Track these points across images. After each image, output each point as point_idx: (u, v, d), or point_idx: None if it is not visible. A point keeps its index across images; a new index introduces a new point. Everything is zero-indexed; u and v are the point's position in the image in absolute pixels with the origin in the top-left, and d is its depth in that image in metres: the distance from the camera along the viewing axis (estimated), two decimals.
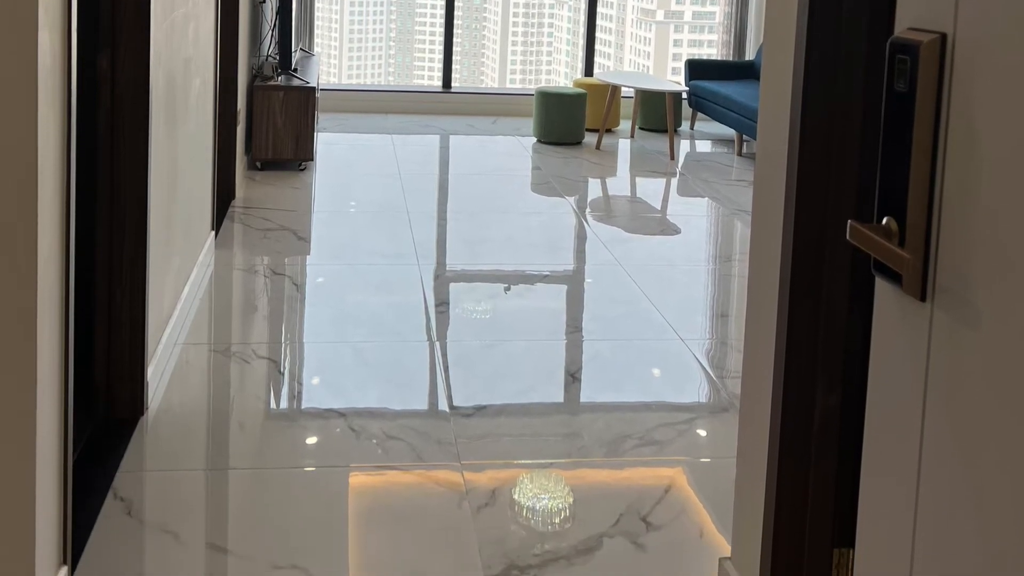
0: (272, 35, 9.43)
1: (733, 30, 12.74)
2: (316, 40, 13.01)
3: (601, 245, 7.21)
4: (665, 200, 9.19)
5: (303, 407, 4.53)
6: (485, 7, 20.42)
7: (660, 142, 11.08)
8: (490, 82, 19.69)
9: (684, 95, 11.67)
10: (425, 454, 4.07)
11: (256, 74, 9.02)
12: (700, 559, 3.46)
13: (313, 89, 8.91)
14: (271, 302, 5.77)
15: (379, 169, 9.33)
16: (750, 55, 12.58)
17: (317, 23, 13.08)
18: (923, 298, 1.49)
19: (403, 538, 3.50)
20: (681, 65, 12.63)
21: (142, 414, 4.23)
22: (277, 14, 9.17)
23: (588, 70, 12.98)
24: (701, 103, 11.45)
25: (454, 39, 12.87)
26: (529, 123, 11.42)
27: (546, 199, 8.74)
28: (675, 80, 13.24)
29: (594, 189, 9.42)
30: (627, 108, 11.85)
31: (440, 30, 13.01)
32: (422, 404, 4.59)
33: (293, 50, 9.15)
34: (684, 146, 11.20)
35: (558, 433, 4.36)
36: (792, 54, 2.71)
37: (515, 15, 20.21)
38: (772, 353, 2.81)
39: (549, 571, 3.34)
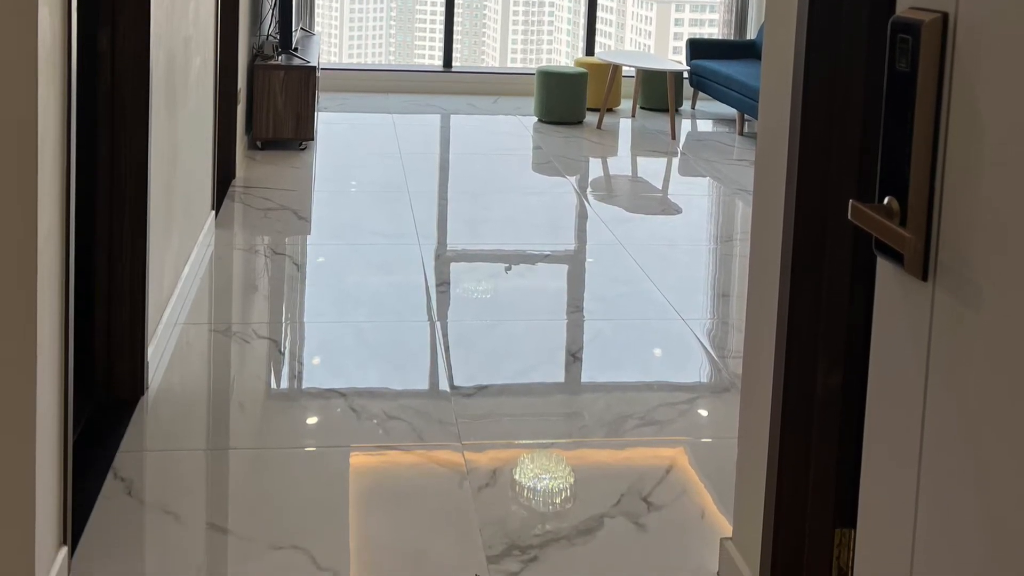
0: (272, 14, 9.40)
1: (734, 9, 12.71)
2: (316, 19, 12.98)
3: (602, 225, 7.20)
4: (666, 180, 9.18)
5: (303, 387, 4.53)
6: None
7: (661, 122, 11.06)
8: (491, 61, 19.67)
9: (685, 74, 11.64)
10: (426, 434, 4.07)
11: (256, 53, 9.00)
12: (701, 539, 3.46)
13: (314, 68, 8.90)
14: (271, 282, 5.76)
15: (380, 149, 9.32)
16: (751, 34, 12.55)
17: (317, 2, 13.05)
18: (925, 278, 1.48)
19: (404, 518, 3.50)
20: (682, 44, 12.60)
21: (142, 394, 4.23)
22: None
23: (589, 49, 12.96)
24: (702, 82, 11.43)
25: (455, 18, 12.85)
26: (530, 102, 11.40)
27: (547, 179, 8.73)
28: (676, 59, 13.21)
29: (595, 169, 9.41)
30: (628, 87, 11.84)
31: (441, 9, 12.99)
32: (423, 384, 4.59)
33: (294, 29, 9.13)
34: (685, 126, 11.19)
35: (559, 413, 4.36)
36: (793, 33, 2.70)
37: None
38: (773, 333, 2.81)
39: (550, 551, 3.34)
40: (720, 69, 10.94)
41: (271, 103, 8.67)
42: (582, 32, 13.20)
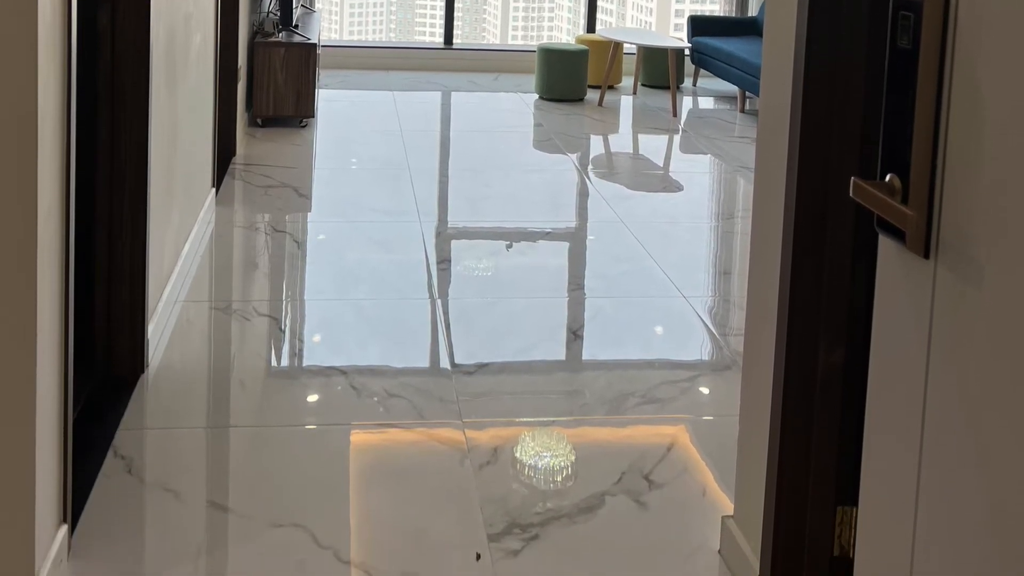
0: None
1: None
2: None
3: (603, 202, 7.19)
4: (667, 157, 9.17)
5: (304, 365, 4.52)
6: None
7: (662, 99, 11.05)
8: (492, 38, 19.63)
9: (686, 51, 11.62)
10: (426, 412, 4.07)
11: (257, 30, 8.98)
12: (702, 517, 3.45)
13: (314, 45, 8.88)
14: (272, 259, 5.76)
15: (380, 126, 9.30)
16: (753, 11, 12.53)
17: None
18: (926, 255, 1.48)
19: (404, 496, 3.50)
20: (683, 21, 12.58)
21: (142, 372, 4.23)
22: None
23: (590, 26, 12.94)
24: (703, 59, 11.41)
25: None
26: (531, 80, 11.38)
27: (548, 156, 8.72)
28: (677, 36, 13.19)
29: (596, 146, 9.40)
30: (629, 65, 11.81)
31: None
32: (423, 362, 4.59)
33: (294, 7, 9.11)
34: (686, 103, 11.17)
35: (560, 391, 4.36)
36: (795, 10, 2.69)
37: None
38: (775, 311, 2.80)
39: (551, 529, 3.34)
40: (721, 46, 10.92)
41: (271, 80, 8.65)
42: (583, 9, 13.17)
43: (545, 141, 9.19)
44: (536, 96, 10.96)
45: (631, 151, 9.33)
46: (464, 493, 3.53)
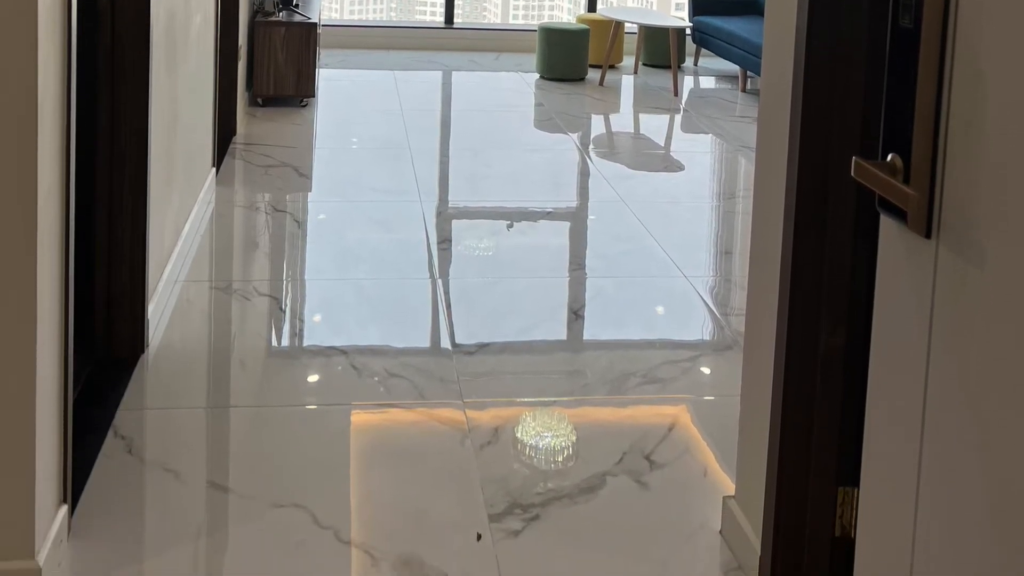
0: None
1: None
2: None
3: (604, 182, 7.18)
4: (669, 137, 9.16)
5: (304, 345, 4.52)
6: None
7: (664, 78, 11.03)
8: (492, 18, 19.57)
9: (688, 31, 11.60)
10: (427, 392, 4.06)
11: (257, 10, 8.96)
12: (704, 497, 3.46)
13: (315, 25, 8.86)
14: (272, 239, 5.75)
15: (381, 105, 9.29)
16: None
17: None
18: (928, 235, 1.47)
19: (405, 477, 3.50)
20: (685, 0, 12.55)
21: (142, 352, 4.23)
22: None
23: (591, 5, 12.91)
24: (705, 39, 11.39)
25: None
26: (532, 59, 11.36)
27: (549, 135, 8.71)
28: (679, 16, 13.16)
29: (597, 125, 9.38)
30: (630, 44, 11.80)
31: None
32: (424, 342, 4.59)
33: None
34: (688, 82, 11.15)
35: (561, 371, 4.36)
36: None
37: None
38: (776, 291, 2.80)
39: (552, 509, 3.34)
40: (723, 25, 10.90)
41: (272, 60, 8.64)
42: None
43: (546, 121, 9.17)
44: (537, 75, 10.95)
45: (632, 131, 9.32)
46: (465, 473, 3.53)
